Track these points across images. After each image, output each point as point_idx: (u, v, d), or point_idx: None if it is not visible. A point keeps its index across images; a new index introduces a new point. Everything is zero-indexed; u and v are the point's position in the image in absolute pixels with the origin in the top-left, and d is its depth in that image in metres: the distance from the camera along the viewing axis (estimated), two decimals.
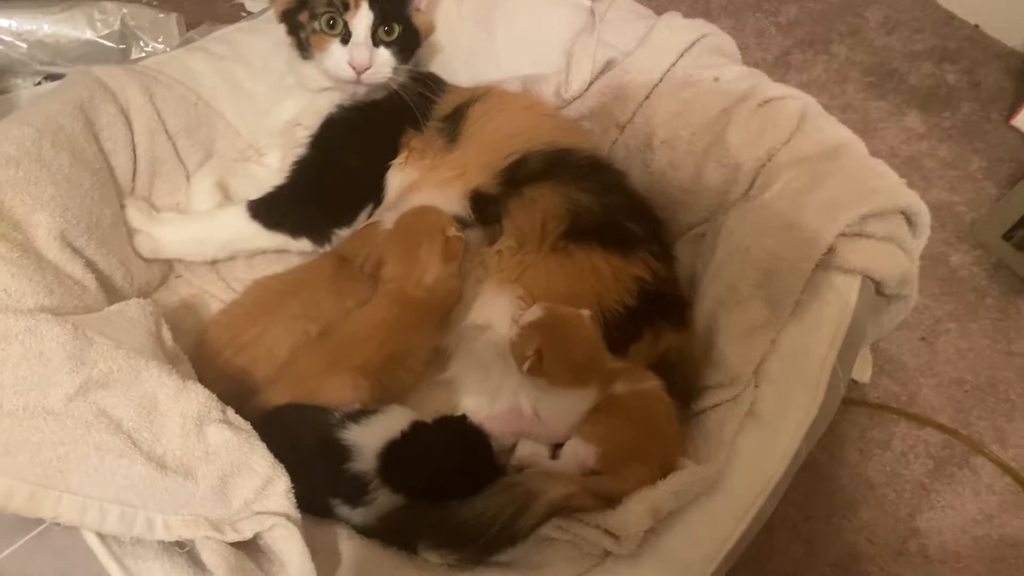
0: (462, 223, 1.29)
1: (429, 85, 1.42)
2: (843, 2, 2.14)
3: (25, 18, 1.72)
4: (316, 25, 1.31)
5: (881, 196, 1.17)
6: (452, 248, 1.23)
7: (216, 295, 1.35)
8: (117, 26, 1.76)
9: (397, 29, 1.32)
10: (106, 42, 1.76)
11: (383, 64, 1.33)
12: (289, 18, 1.37)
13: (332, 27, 1.31)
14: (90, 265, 1.12)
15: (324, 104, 1.39)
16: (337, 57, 1.31)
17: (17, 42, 1.71)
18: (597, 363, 1.10)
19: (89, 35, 1.75)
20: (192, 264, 1.37)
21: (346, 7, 1.30)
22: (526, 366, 1.05)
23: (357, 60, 1.29)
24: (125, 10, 1.77)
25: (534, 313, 1.10)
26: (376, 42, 1.31)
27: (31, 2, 1.83)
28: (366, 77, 1.31)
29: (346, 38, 1.30)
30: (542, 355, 1.05)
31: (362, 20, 1.30)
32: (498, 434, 1.10)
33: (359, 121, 1.37)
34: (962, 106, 1.92)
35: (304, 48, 1.35)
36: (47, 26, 1.73)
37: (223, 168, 1.43)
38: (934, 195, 1.69)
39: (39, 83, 1.75)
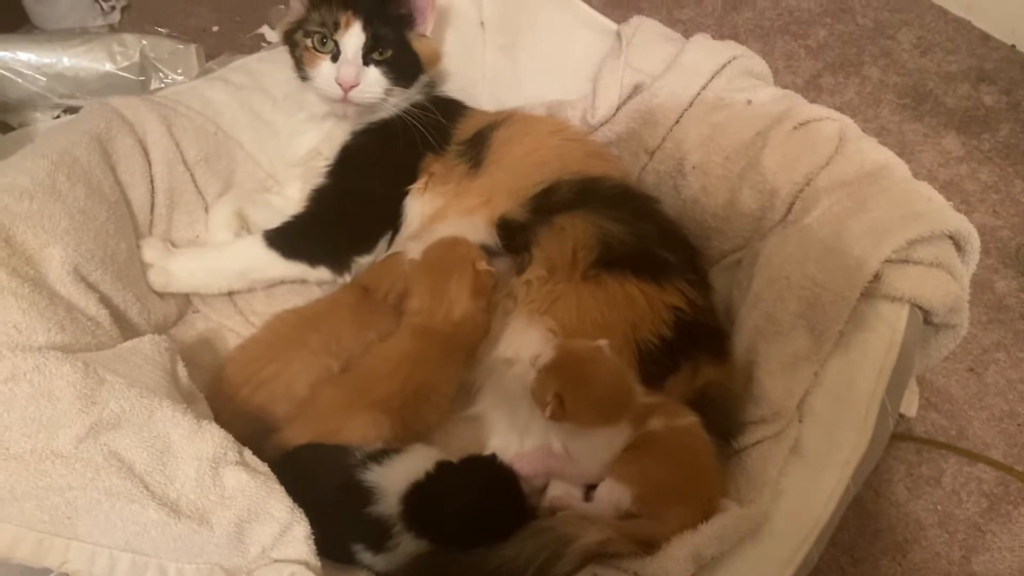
0: (489, 252, 1.25)
1: (444, 109, 1.40)
2: (874, 25, 2.10)
3: (45, 52, 1.72)
4: (308, 43, 1.31)
5: (928, 220, 1.12)
6: (482, 282, 1.19)
7: (234, 329, 1.32)
8: (136, 58, 1.76)
9: (390, 51, 1.31)
10: (126, 74, 1.76)
11: (372, 83, 1.30)
12: (289, 38, 1.36)
13: (323, 45, 1.30)
14: (104, 300, 1.10)
15: (341, 134, 1.38)
16: (326, 74, 1.30)
17: (37, 75, 1.71)
18: (625, 397, 1.05)
19: (109, 67, 1.75)
20: (210, 298, 1.34)
21: (336, 26, 1.28)
22: (548, 412, 1.01)
23: (344, 77, 1.27)
24: (144, 42, 1.77)
25: (547, 355, 1.05)
26: (367, 61, 1.30)
27: (51, 36, 1.84)
28: (354, 95, 1.29)
29: (336, 56, 1.29)
30: (563, 399, 1.01)
31: (352, 39, 1.28)
32: (528, 474, 1.05)
33: (375, 146, 1.35)
34: (1001, 127, 1.86)
35: (300, 68, 1.34)
36: (67, 59, 1.73)
37: (242, 198, 1.41)
38: (976, 219, 1.63)
39: (58, 116, 1.75)
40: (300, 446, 1.04)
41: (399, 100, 1.34)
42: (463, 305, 1.17)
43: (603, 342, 1.06)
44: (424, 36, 1.38)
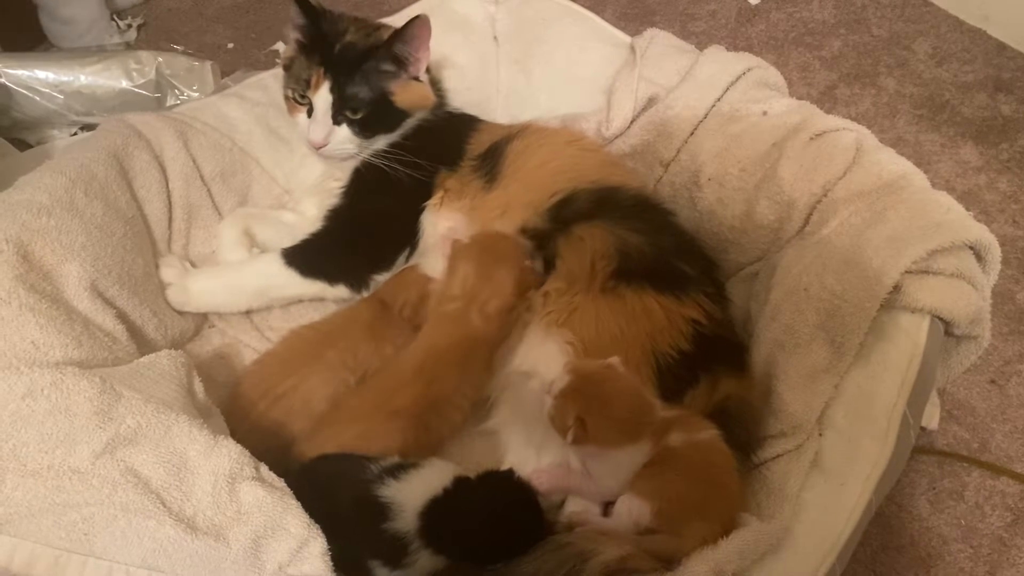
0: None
1: (456, 124, 1.41)
2: (889, 35, 2.09)
3: (62, 70, 1.74)
4: (289, 93, 1.33)
5: (948, 230, 1.11)
6: (526, 280, 1.18)
7: (250, 344, 1.32)
8: (153, 75, 1.77)
9: (362, 111, 1.30)
10: (142, 91, 1.77)
11: (342, 141, 1.31)
12: (285, 71, 1.38)
13: (302, 99, 1.32)
14: (121, 316, 1.10)
15: (353, 159, 1.36)
16: (302, 127, 1.33)
17: (54, 93, 1.72)
18: (644, 413, 1.04)
19: (125, 85, 1.76)
20: (226, 313, 1.34)
21: (308, 84, 1.29)
22: (570, 438, 0.99)
23: (311, 137, 1.30)
24: (160, 59, 1.78)
25: (563, 380, 1.03)
26: (338, 120, 1.30)
27: (68, 54, 1.85)
28: (323, 152, 1.31)
29: (311, 111, 1.31)
30: (584, 422, 0.99)
31: (321, 99, 1.29)
32: (547, 490, 1.04)
33: (390, 166, 1.33)
34: (1019, 137, 1.85)
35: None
36: (84, 77, 1.74)
37: (248, 217, 1.41)
38: (996, 229, 1.56)
39: (75, 133, 1.76)
40: (316, 458, 1.03)
41: (364, 152, 1.34)
42: (503, 298, 1.16)
43: (615, 359, 1.05)
44: (415, 80, 1.36)
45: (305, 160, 1.45)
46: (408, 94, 1.35)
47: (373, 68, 1.30)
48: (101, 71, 1.75)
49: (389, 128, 1.35)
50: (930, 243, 1.09)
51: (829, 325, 1.10)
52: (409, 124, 1.37)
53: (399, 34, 1.29)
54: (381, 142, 1.34)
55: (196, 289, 1.28)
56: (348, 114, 1.30)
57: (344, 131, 1.30)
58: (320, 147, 1.30)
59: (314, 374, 1.15)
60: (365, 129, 1.31)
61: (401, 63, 1.32)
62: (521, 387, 1.14)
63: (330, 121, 1.29)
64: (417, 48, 1.32)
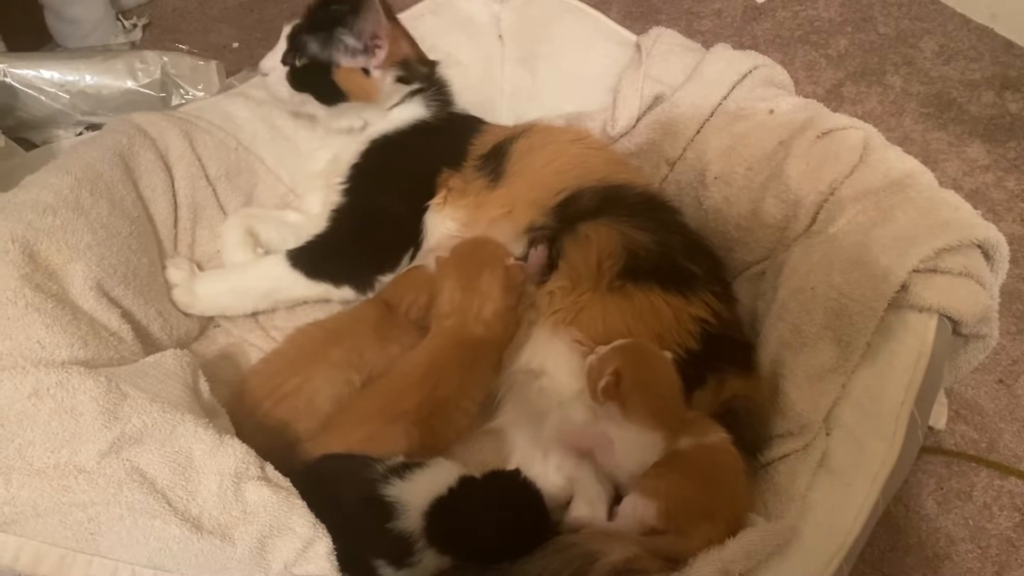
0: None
1: (458, 125, 1.41)
2: (895, 33, 2.08)
3: (67, 69, 1.74)
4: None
5: (956, 229, 1.11)
6: (512, 277, 1.18)
7: (255, 344, 1.32)
8: (158, 75, 1.77)
9: (303, 61, 1.34)
10: (147, 91, 1.77)
11: (275, 82, 1.37)
12: None
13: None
14: (126, 315, 1.10)
15: (348, 154, 1.38)
16: None
17: (60, 93, 1.73)
18: (674, 407, 1.05)
19: (130, 84, 1.76)
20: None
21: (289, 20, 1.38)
22: (602, 383, 1.00)
23: (261, 62, 1.40)
24: (165, 58, 1.78)
25: (619, 342, 1.06)
26: (285, 60, 1.36)
27: (73, 53, 1.86)
28: (267, 83, 1.40)
29: None
30: (620, 377, 1.00)
31: (284, 35, 1.37)
32: (572, 445, 1.05)
33: (384, 164, 1.34)
34: None
35: None
36: (89, 77, 1.74)
37: (252, 218, 1.40)
38: (1004, 228, 1.57)
39: (80, 133, 1.76)
40: (321, 457, 1.03)
41: (295, 102, 1.38)
42: (495, 302, 1.16)
43: (668, 354, 1.06)
44: (364, 72, 1.35)
45: (310, 158, 1.45)
46: (350, 77, 1.36)
47: (338, 36, 1.33)
48: (106, 71, 1.75)
49: (321, 97, 1.37)
50: (938, 242, 1.08)
51: (836, 324, 1.10)
52: (408, 121, 1.38)
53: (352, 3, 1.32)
54: (311, 107, 1.39)
55: (202, 292, 1.27)
56: (291, 59, 1.34)
57: (279, 73, 1.36)
58: (263, 74, 1.39)
59: (319, 373, 1.15)
60: (297, 81, 1.36)
61: (365, 44, 1.34)
62: (528, 386, 1.13)
63: (279, 57, 1.35)
64: (375, 35, 1.33)
